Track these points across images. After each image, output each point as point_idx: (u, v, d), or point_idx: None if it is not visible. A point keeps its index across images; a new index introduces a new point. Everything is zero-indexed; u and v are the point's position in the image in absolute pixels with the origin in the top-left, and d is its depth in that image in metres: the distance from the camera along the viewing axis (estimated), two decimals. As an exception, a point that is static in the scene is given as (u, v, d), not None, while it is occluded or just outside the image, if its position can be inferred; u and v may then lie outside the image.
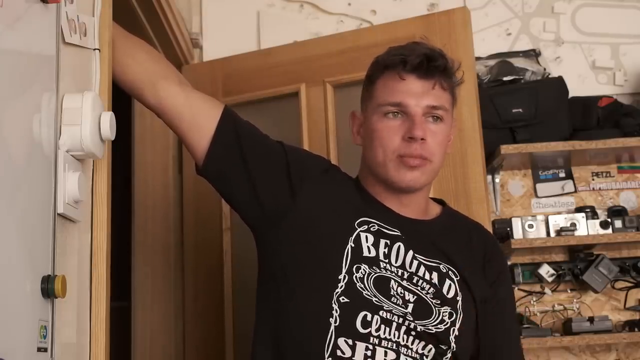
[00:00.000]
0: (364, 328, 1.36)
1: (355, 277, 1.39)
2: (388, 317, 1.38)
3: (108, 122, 1.28)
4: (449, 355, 1.42)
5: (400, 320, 1.38)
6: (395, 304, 1.39)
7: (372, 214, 1.47)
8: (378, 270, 1.41)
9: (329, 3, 2.80)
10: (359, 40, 2.23)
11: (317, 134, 2.23)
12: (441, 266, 1.47)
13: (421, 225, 1.51)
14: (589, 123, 2.60)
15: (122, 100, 2.28)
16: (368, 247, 1.42)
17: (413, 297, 1.41)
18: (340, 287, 1.38)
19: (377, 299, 1.38)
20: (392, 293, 1.40)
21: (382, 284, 1.40)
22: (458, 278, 1.48)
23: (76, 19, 1.30)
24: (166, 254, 2.46)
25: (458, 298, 1.45)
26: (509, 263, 2.64)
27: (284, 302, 1.44)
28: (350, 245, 1.41)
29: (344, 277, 1.39)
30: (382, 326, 1.37)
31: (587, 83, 2.79)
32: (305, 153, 1.63)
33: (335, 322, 1.37)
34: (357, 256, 1.41)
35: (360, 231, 1.44)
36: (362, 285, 1.38)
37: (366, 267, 1.40)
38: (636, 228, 2.56)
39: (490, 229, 2.10)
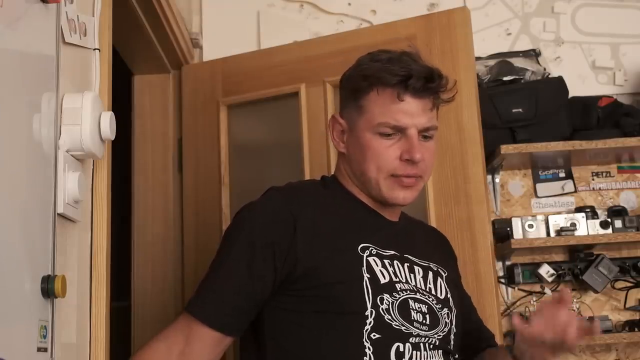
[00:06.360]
0: None
1: (382, 309, 1.33)
2: (416, 341, 1.34)
3: (108, 122, 1.28)
4: (455, 356, 1.45)
5: (425, 339, 1.36)
6: (419, 327, 1.36)
7: (366, 236, 1.41)
8: (398, 295, 1.36)
9: (329, 3, 2.80)
10: (359, 40, 2.22)
11: (317, 134, 2.23)
12: (431, 265, 1.48)
13: (401, 227, 1.51)
14: (589, 123, 2.60)
15: (122, 100, 2.27)
16: (381, 271, 1.37)
17: (425, 307, 1.39)
18: (369, 324, 1.32)
19: (405, 327, 1.34)
20: (413, 315, 1.36)
21: (404, 309, 1.36)
22: (446, 274, 1.50)
23: (76, 19, 1.30)
24: (166, 254, 2.46)
25: (449, 296, 1.47)
26: (508, 263, 2.64)
27: (307, 350, 1.34)
28: (367, 277, 1.35)
29: (371, 312, 1.33)
30: (414, 352, 1.33)
31: (587, 83, 2.78)
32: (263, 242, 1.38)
33: None
34: (376, 286, 1.35)
35: (367, 257, 1.38)
36: (390, 317, 1.33)
37: (387, 295, 1.35)
38: (636, 228, 2.56)
39: (490, 229, 2.11)
